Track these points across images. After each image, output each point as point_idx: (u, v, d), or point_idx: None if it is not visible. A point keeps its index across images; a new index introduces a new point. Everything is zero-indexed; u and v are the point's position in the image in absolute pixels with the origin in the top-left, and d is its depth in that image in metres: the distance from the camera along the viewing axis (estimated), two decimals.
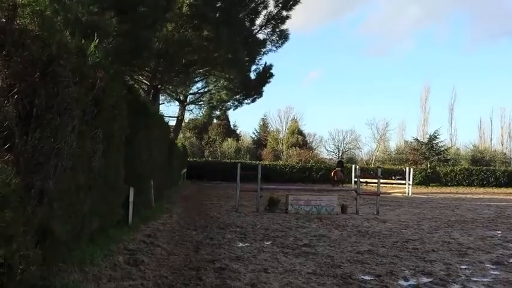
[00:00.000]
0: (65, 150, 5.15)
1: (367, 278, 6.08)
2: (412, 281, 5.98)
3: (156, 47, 15.37)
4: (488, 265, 7.17)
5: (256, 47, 23.04)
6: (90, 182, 5.90)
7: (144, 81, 20.86)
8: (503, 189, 35.88)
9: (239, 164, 15.86)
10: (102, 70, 6.29)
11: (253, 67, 24.88)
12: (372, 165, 45.27)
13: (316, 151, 56.51)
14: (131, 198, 8.99)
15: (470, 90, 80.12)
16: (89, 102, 5.80)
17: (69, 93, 5.11)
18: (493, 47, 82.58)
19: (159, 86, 21.50)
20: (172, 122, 28.31)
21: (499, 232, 11.22)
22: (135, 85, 16.63)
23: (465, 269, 6.84)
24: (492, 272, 6.65)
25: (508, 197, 27.43)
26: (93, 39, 6.08)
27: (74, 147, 5.33)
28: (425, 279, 6.09)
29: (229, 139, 54.61)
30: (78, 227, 5.57)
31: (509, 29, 77.72)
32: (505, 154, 53.01)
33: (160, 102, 25.81)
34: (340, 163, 36.40)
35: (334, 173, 32.47)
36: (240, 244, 8.50)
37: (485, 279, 6.17)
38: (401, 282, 5.93)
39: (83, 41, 5.70)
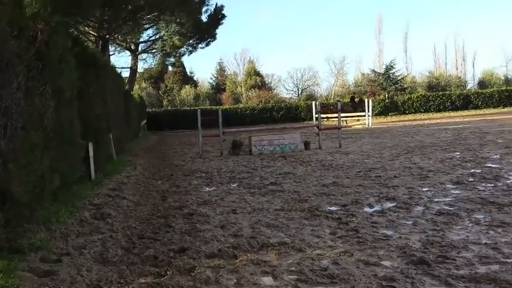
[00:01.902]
0: (13, 109, 4.91)
1: (333, 208, 6.21)
2: (377, 207, 6.15)
3: None
4: (449, 185, 7.42)
5: None
6: (44, 139, 5.67)
7: (91, 32, 19.99)
8: (460, 113, 37.04)
9: (199, 111, 15.66)
10: (43, 22, 5.91)
11: (204, 8, 24.20)
12: (332, 100, 45.68)
13: (275, 91, 56.54)
14: (91, 153, 8.78)
15: (423, 18, 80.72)
16: (32, 57, 5.49)
17: (8, 48, 4.80)
18: None
19: (107, 36, 20.68)
20: (126, 73, 27.59)
21: (458, 153, 11.61)
22: (82, 37, 15.87)
23: (427, 191, 7.06)
24: (453, 192, 6.89)
25: (465, 120, 28.33)
26: None
27: (22, 105, 5.08)
28: (389, 204, 6.26)
29: (187, 86, 53.75)
30: (39, 186, 5.40)
31: None
32: (459, 78, 54.28)
33: (111, 53, 24.96)
34: (351, 98, 36.10)
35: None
36: (207, 189, 8.51)
37: (447, 199, 6.39)
38: (367, 209, 6.08)
39: None
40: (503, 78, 54.58)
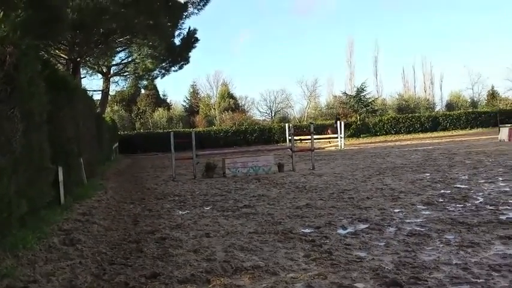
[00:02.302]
0: None
1: (307, 230, 6.21)
2: (350, 229, 6.17)
3: (71, 18, 14.50)
4: (419, 206, 7.52)
5: (178, 11, 22.38)
6: (12, 164, 5.54)
7: (61, 55, 19.77)
8: (429, 134, 37.85)
9: (172, 133, 15.57)
10: (12, 45, 5.83)
11: (177, 32, 24.30)
12: (305, 122, 46.11)
13: (249, 113, 56.76)
14: (61, 178, 8.60)
15: (392, 42, 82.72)
16: (0, 81, 5.39)
17: None
18: None
19: (78, 59, 20.47)
20: (98, 96, 27.30)
21: (428, 174, 11.82)
22: (52, 59, 15.70)
23: (398, 212, 7.14)
24: (424, 213, 6.98)
25: (434, 141, 28.92)
26: None
27: None
28: (362, 226, 6.30)
29: (160, 109, 53.55)
30: (6, 211, 5.25)
31: None
32: (428, 100, 55.63)
33: (82, 76, 24.68)
34: (336, 119, 37.00)
35: (329, 129, 33.91)
36: (180, 212, 8.41)
37: (418, 220, 6.47)
38: (340, 231, 6.10)
39: None
40: (469, 100, 56.19)
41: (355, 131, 40.38)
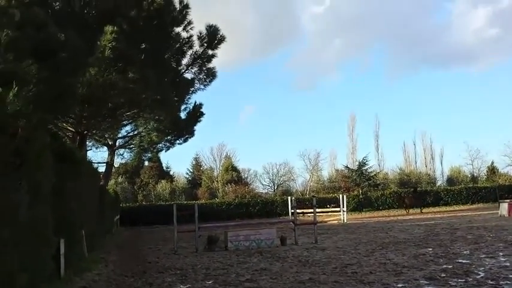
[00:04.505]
0: None
1: None
2: None
3: (81, 92, 15.01)
4: (422, 281, 7.46)
5: (185, 87, 23.07)
6: (16, 236, 5.58)
7: (69, 128, 20.18)
8: (431, 209, 37.56)
9: (175, 205, 15.60)
10: (23, 119, 6.07)
11: (183, 107, 24.86)
12: (307, 196, 46.00)
13: (251, 186, 56.72)
14: (62, 250, 8.57)
15: (393, 117, 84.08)
16: (11, 153, 5.56)
17: None
18: (412, 73, 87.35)
19: (86, 132, 20.87)
20: (102, 168, 27.48)
21: (430, 249, 11.73)
22: (60, 132, 16.06)
23: (401, 287, 7.06)
24: None
25: (436, 216, 28.74)
26: (11, 88, 5.88)
27: None
28: None
29: (162, 181, 53.67)
30: (6, 284, 5.22)
31: (426, 55, 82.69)
32: (429, 175, 55.75)
33: (88, 148, 25.04)
34: (414, 190, 38.73)
35: (406, 198, 35.54)
36: (181, 286, 8.30)
37: None
38: None
39: (1, 89, 5.50)
40: (469, 175, 56.31)
41: (357, 204, 40.19)
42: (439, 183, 55.65)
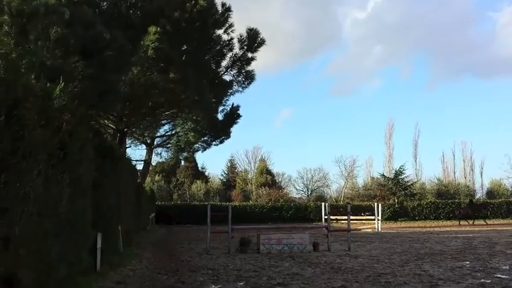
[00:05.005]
0: (31, 195, 5.04)
1: None
2: None
3: (123, 91, 15.35)
4: None
5: (223, 89, 23.26)
6: (57, 228, 5.74)
7: (110, 125, 20.68)
8: (469, 221, 36.51)
9: (209, 206, 15.72)
10: (68, 113, 6.24)
11: (221, 108, 25.06)
12: (341, 202, 45.54)
13: (285, 190, 56.54)
14: (99, 244, 8.75)
15: (432, 126, 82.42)
16: (55, 146, 5.73)
17: (34, 137, 5.04)
18: (454, 82, 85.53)
19: (126, 130, 21.33)
20: (140, 166, 27.99)
21: (467, 262, 11.38)
22: (101, 129, 16.46)
23: None
24: None
25: (474, 229, 27.94)
26: (58, 83, 6.05)
27: (39, 192, 5.22)
28: None
29: (198, 181, 54.20)
30: (46, 274, 5.37)
31: (469, 64, 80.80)
32: (468, 187, 54.19)
33: (127, 145, 25.53)
34: (470, 201, 38.62)
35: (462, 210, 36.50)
36: (213, 286, 8.34)
37: None
38: None
39: (48, 85, 5.67)
40: (510, 189, 54.39)
41: (392, 214, 39.49)
42: (478, 195, 54.05)
